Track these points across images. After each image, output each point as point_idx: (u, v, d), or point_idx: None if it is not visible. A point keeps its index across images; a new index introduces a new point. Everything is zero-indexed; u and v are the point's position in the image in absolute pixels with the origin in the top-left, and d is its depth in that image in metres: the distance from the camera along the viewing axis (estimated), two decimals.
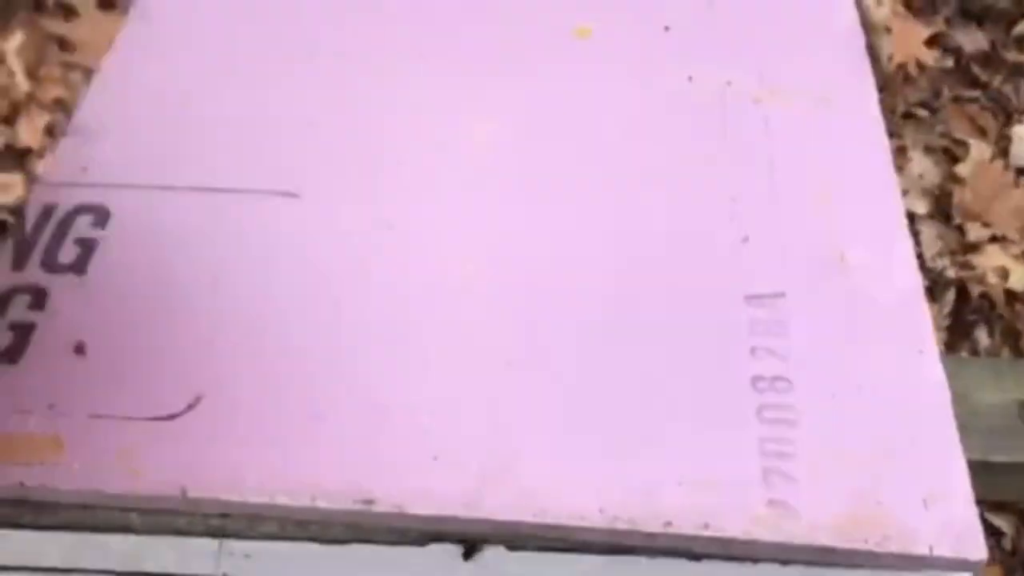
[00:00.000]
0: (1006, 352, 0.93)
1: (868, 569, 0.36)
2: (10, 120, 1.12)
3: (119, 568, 0.39)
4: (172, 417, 0.38)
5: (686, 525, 0.35)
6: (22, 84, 1.15)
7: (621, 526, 0.35)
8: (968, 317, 0.94)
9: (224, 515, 0.37)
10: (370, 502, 0.36)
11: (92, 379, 0.39)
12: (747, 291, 0.41)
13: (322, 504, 0.36)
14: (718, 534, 0.35)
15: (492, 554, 0.37)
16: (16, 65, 1.17)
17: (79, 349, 0.40)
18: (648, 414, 0.38)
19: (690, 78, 0.50)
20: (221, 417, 0.38)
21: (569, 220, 0.44)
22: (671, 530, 0.35)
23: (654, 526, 0.35)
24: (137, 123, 0.49)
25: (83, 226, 0.45)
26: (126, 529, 0.37)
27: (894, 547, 0.34)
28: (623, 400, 0.38)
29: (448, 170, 0.46)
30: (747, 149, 0.47)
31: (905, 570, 0.35)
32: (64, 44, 1.17)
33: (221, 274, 0.43)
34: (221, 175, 0.46)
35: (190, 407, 0.38)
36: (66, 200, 0.46)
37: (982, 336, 0.94)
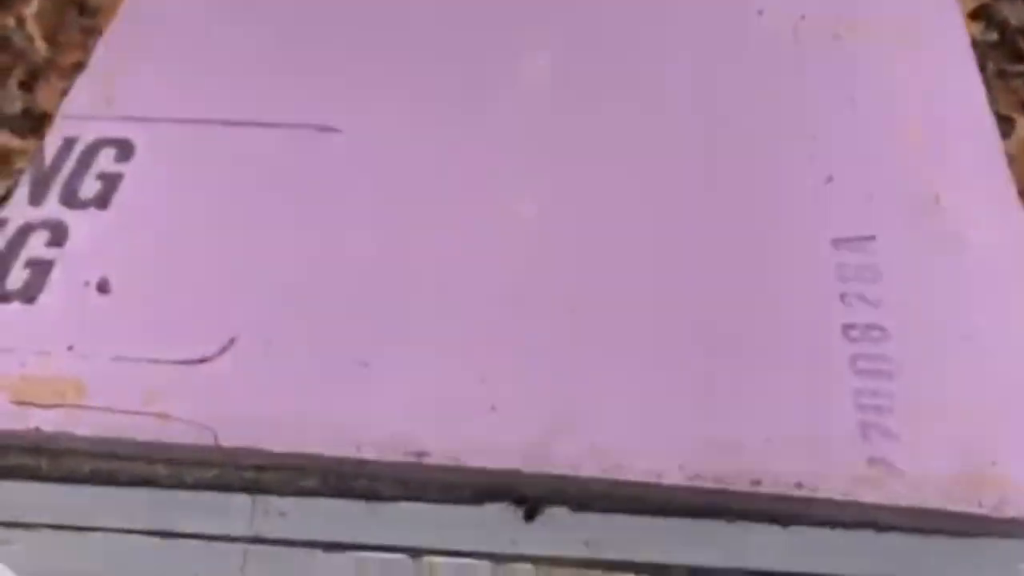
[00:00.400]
0: None
1: (975, 538, 0.32)
2: (28, 85, 1.09)
3: (143, 526, 0.36)
4: (204, 360, 0.35)
5: (777, 485, 0.31)
6: (40, 49, 1.12)
7: (704, 485, 0.31)
8: None
9: (259, 468, 0.33)
10: (422, 454, 0.32)
11: (116, 319, 0.36)
12: (834, 235, 0.38)
13: (369, 455, 0.32)
14: (814, 494, 0.31)
15: (554, 516, 0.33)
16: (34, 30, 1.14)
17: (102, 287, 0.37)
18: (732, 363, 0.34)
19: (760, 12, 0.46)
20: (258, 361, 0.34)
21: (638, 162, 0.40)
22: (761, 490, 0.31)
23: (741, 485, 0.31)
24: (163, 55, 0.46)
25: (106, 160, 0.41)
26: (151, 482, 0.34)
27: (1011, 511, 0.30)
28: (705, 348, 0.34)
29: (504, 105, 0.43)
30: (826, 86, 0.43)
31: (1021, 538, 0.31)
32: (83, 8, 1.14)
33: (257, 211, 0.39)
34: (254, 109, 0.43)
35: (224, 350, 0.35)
36: (88, 133, 0.42)
37: None
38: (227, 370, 0.34)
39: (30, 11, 1.18)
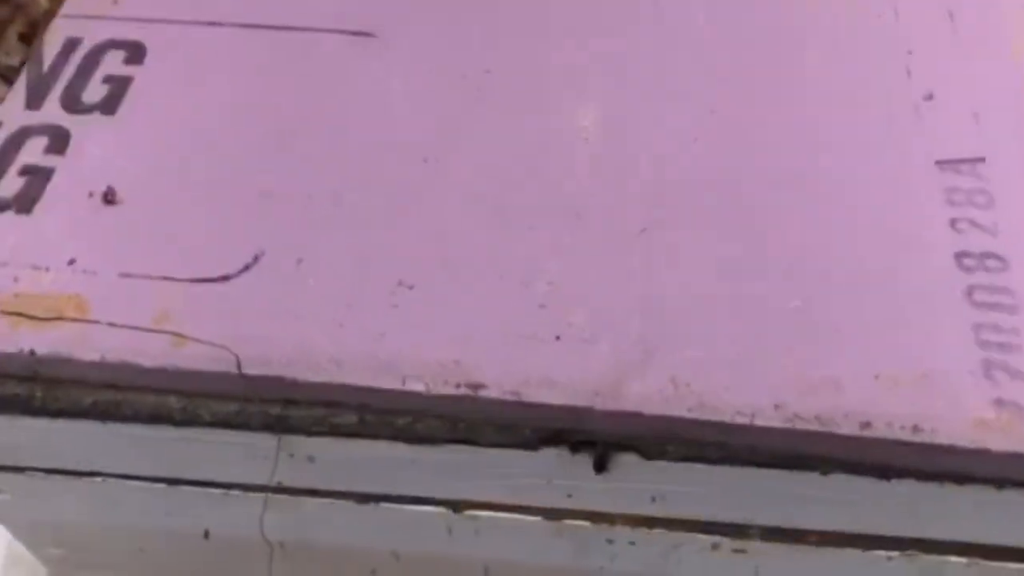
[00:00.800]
0: None
1: None
2: (28, 39, 1.05)
3: (149, 471, 0.32)
4: (225, 279, 0.30)
5: (890, 428, 0.27)
6: (41, 1, 1.08)
7: (804, 427, 0.27)
8: None
9: (287, 402, 0.29)
10: (477, 387, 0.28)
11: (124, 233, 0.32)
12: (938, 156, 0.33)
13: (416, 387, 0.28)
14: (934, 440, 0.27)
15: (620, 465, 0.29)
16: None
17: (108, 198, 0.32)
18: (831, 293, 0.30)
19: None
20: (286, 280, 0.30)
21: (712, 75, 0.36)
22: (870, 433, 0.27)
23: (848, 427, 0.27)
24: None
25: (113, 62, 0.37)
26: (161, 418, 0.30)
27: None
28: (794, 277, 0.30)
29: (554, 7, 0.38)
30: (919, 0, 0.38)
31: None
32: None
33: (284, 120, 0.35)
34: (278, 11, 0.38)
35: (247, 267, 0.30)
36: (93, 34, 0.38)
37: None
38: (251, 290, 0.30)
39: None
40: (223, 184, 0.33)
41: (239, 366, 0.28)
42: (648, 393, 0.28)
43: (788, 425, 0.27)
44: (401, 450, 0.29)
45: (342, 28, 0.38)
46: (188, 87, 0.36)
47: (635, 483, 0.29)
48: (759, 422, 0.27)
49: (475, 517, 0.32)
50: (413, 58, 0.37)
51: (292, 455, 0.30)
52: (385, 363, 0.28)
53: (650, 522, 0.31)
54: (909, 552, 0.30)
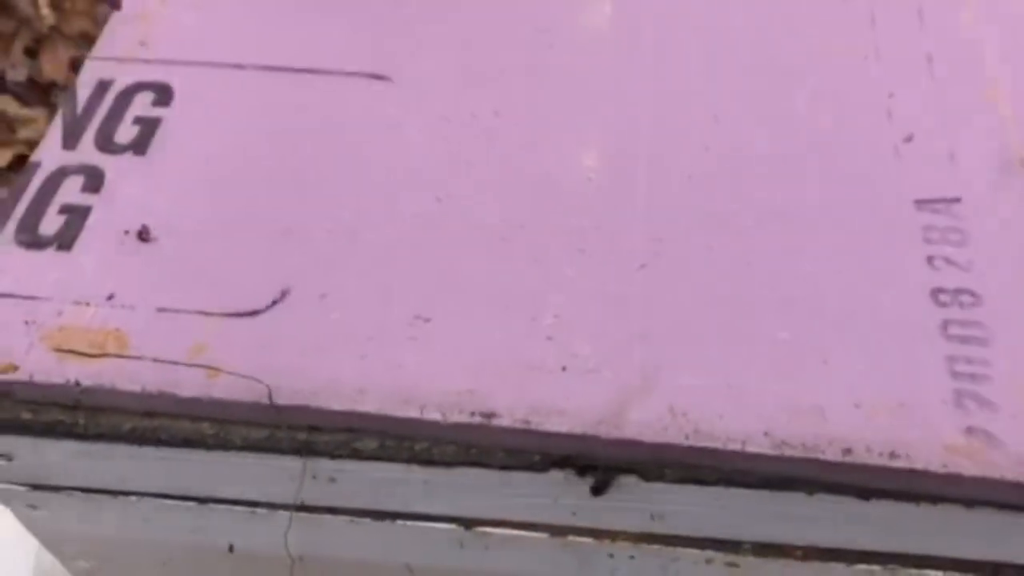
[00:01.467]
0: None
1: None
2: (34, 53, 1.07)
3: (181, 490, 0.34)
4: (255, 313, 0.32)
5: (870, 454, 0.29)
6: (47, 16, 1.10)
7: (792, 453, 0.29)
8: None
9: (313, 429, 0.31)
10: (491, 415, 0.30)
11: (159, 269, 0.34)
12: (917, 195, 0.36)
13: (433, 416, 0.30)
14: (909, 465, 0.29)
15: (620, 486, 0.31)
16: None
17: (143, 235, 0.35)
18: (816, 327, 0.32)
19: None
20: (313, 314, 0.32)
21: (707, 116, 0.38)
22: (851, 459, 0.29)
23: (831, 453, 0.29)
24: None
25: (143, 104, 0.39)
26: (195, 443, 0.32)
27: None
28: (783, 309, 0.32)
29: (558, 52, 0.40)
30: (900, 43, 0.41)
31: None
32: None
33: (305, 159, 0.37)
34: (299, 54, 0.41)
35: (276, 302, 0.33)
36: (123, 76, 0.40)
37: None
38: (279, 324, 0.32)
39: None
40: (249, 221, 0.35)
41: (270, 396, 0.30)
42: (648, 421, 0.30)
43: (776, 451, 0.29)
44: (417, 472, 0.32)
45: (359, 71, 0.40)
46: (214, 127, 0.38)
47: (635, 502, 0.31)
48: (750, 448, 0.29)
49: (485, 533, 0.34)
50: (426, 100, 0.39)
51: (315, 477, 0.33)
52: (404, 393, 0.31)
53: (649, 538, 0.33)
54: (890, 566, 0.33)
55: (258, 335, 0.32)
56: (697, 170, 0.36)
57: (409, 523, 0.34)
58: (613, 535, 0.33)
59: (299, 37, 0.41)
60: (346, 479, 0.33)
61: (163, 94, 0.39)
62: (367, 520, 0.34)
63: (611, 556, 0.34)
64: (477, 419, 0.30)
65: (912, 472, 0.29)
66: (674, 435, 0.30)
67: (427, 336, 0.32)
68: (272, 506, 0.34)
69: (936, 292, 0.33)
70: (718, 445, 0.29)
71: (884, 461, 0.29)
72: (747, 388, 0.31)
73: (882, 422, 0.30)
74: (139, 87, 0.40)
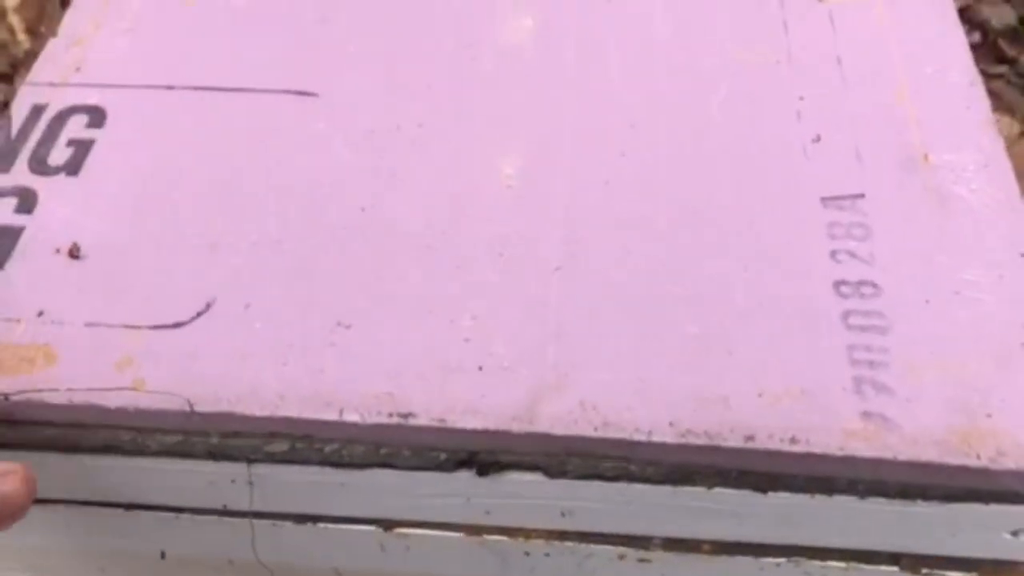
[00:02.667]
0: None
1: (963, 503, 0.31)
2: (9, 78, 1.07)
3: (104, 497, 0.35)
4: (179, 325, 0.33)
5: (771, 439, 0.30)
6: (22, 41, 1.10)
7: (696, 441, 0.31)
8: None
9: (224, 434, 0.32)
10: (407, 415, 0.31)
11: (88, 285, 0.35)
12: (823, 193, 0.37)
13: (352, 418, 0.31)
14: (808, 449, 0.30)
15: (529, 484, 0.32)
16: (16, 22, 1.12)
17: (73, 253, 0.36)
18: (721, 320, 0.33)
19: None
20: (236, 325, 0.33)
21: (623, 123, 0.40)
22: (753, 445, 0.30)
23: (734, 441, 0.30)
24: (133, 22, 0.44)
25: (77, 126, 0.40)
26: (114, 449, 0.33)
27: (1010, 463, 0.30)
28: (692, 305, 0.34)
29: (481, 66, 0.42)
30: (811, 47, 0.42)
31: (1019, 489, 0.31)
32: (65, 1, 1.13)
33: (233, 175, 0.38)
34: (228, 74, 0.42)
35: (200, 314, 0.34)
36: (57, 100, 0.41)
37: None
38: (203, 334, 0.33)
39: (11, 3, 1.15)
40: (176, 237, 0.36)
41: (191, 406, 0.31)
42: (559, 415, 0.31)
43: (681, 440, 0.31)
44: (330, 474, 0.33)
45: (287, 88, 0.41)
46: (144, 147, 0.39)
47: (544, 499, 0.32)
48: (656, 438, 0.31)
49: (405, 535, 0.35)
50: (352, 114, 0.40)
51: (234, 481, 0.34)
52: (324, 396, 0.32)
53: (561, 535, 0.34)
54: (794, 559, 0.34)
55: (183, 346, 0.33)
56: (613, 176, 0.38)
57: (330, 526, 0.35)
58: (527, 533, 0.34)
59: (228, 58, 0.42)
60: (263, 483, 0.33)
61: (96, 116, 0.40)
62: (288, 524, 0.35)
63: (527, 554, 0.35)
64: (394, 419, 0.31)
65: (810, 456, 0.30)
66: (584, 427, 0.31)
67: (347, 342, 0.33)
68: (196, 511, 0.35)
69: (838, 284, 0.34)
70: (625, 436, 0.31)
71: (784, 446, 0.30)
72: (655, 381, 0.32)
73: (784, 409, 0.31)
74: (73, 110, 0.41)
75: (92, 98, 0.41)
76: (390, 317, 0.34)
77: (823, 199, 0.37)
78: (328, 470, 0.33)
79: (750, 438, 0.31)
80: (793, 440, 0.30)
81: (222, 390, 0.32)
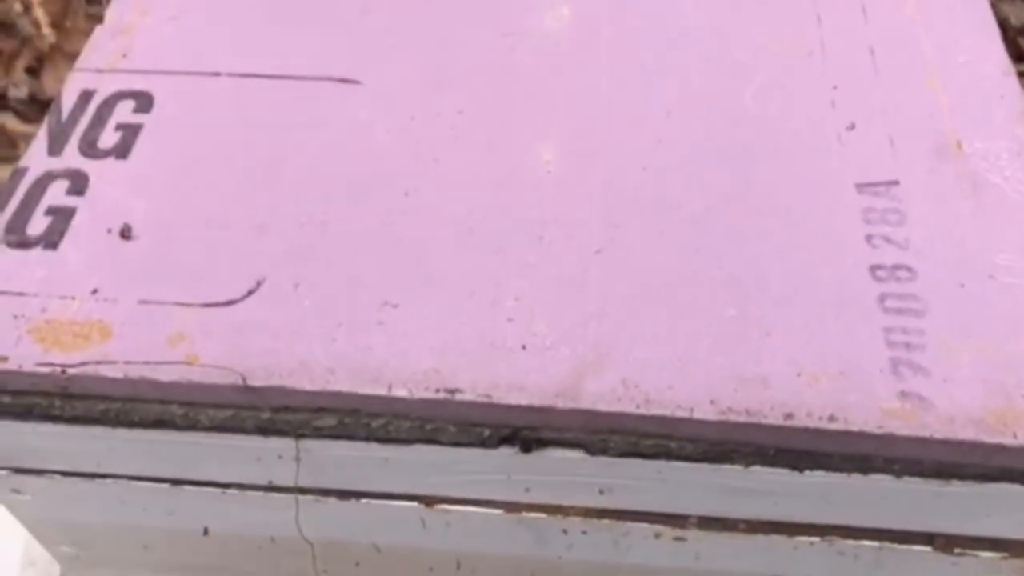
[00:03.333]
0: None
1: (997, 483, 0.32)
2: (35, 71, 1.09)
3: (153, 472, 0.36)
4: (231, 303, 0.34)
5: (810, 418, 0.31)
6: (48, 35, 1.12)
7: (736, 418, 0.31)
8: None
9: (276, 408, 0.33)
10: (454, 391, 0.32)
11: (140, 264, 0.36)
12: (858, 180, 0.38)
13: (401, 393, 0.32)
14: (846, 427, 0.31)
15: (569, 461, 0.33)
16: (41, 16, 1.14)
17: (124, 234, 0.37)
18: (761, 303, 0.34)
19: None
20: (286, 302, 0.34)
21: (660, 111, 0.40)
22: (792, 423, 0.31)
23: (773, 418, 0.31)
24: (178, 10, 0.45)
25: (124, 111, 0.41)
26: (165, 423, 0.34)
27: None
28: (730, 289, 0.34)
29: (520, 54, 0.43)
30: (844, 36, 0.43)
31: None
32: None
33: (278, 159, 0.39)
34: (272, 62, 0.43)
35: (251, 292, 0.35)
36: (105, 86, 0.42)
37: None
38: (254, 312, 0.34)
39: None
40: (225, 218, 0.37)
41: (244, 380, 0.32)
42: (602, 392, 0.32)
43: (722, 417, 0.31)
44: (376, 450, 0.33)
45: (329, 76, 0.42)
46: (191, 132, 0.40)
47: (583, 477, 0.33)
48: (697, 415, 0.31)
49: (446, 511, 0.36)
50: (393, 101, 0.41)
51: (281, 456, 0.34)
52: (373, 372, 0.32)
53: (599, 513, 0.35)
54: (828, 538, 0.34)
55: (234, 323, 0.34)
56: (650, 162, 0.38)
57: (373, 502, 0.36)
58: (564, 511, 0.35)
59: (271, 46, 0.43)
60: (309, 458, 0.34)
61: (144, 101, 0.41)
62: (332, 499, 0.36)
63: (564, 532, 0.36)
64: (442, 395, 0.32)
65: (849, 434, 0.31)
66: (626, 405, 0.32)
67: (394, 321, 0.34)
68: (242, 487, 0.36)
69: (874, 268, 0.35)
70: (667, 413, 0.31)
71: (823, 424, 0.31)
72: (695, 361, 0.32)
73: (822, 389, 0.32)
74: (120, 96, 0.42)
75: (139, 84, 0.42)
76: (435, 297, 0.34)
77: (858, 185, 0.38)
78: (374, 445, 0.33)
79: (789, 416, 0.31)
80: (832, 418, 0.31)
81: (273, 365, 0.33)
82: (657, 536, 0.35)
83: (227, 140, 0.40)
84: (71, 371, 0.33)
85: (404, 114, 0.41)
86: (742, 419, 0.31)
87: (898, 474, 0.32)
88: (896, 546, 0.34)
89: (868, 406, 0.31)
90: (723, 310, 0.34)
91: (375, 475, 0.35)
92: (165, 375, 0.33)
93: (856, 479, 0.32)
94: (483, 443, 0.33)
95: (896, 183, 0.38)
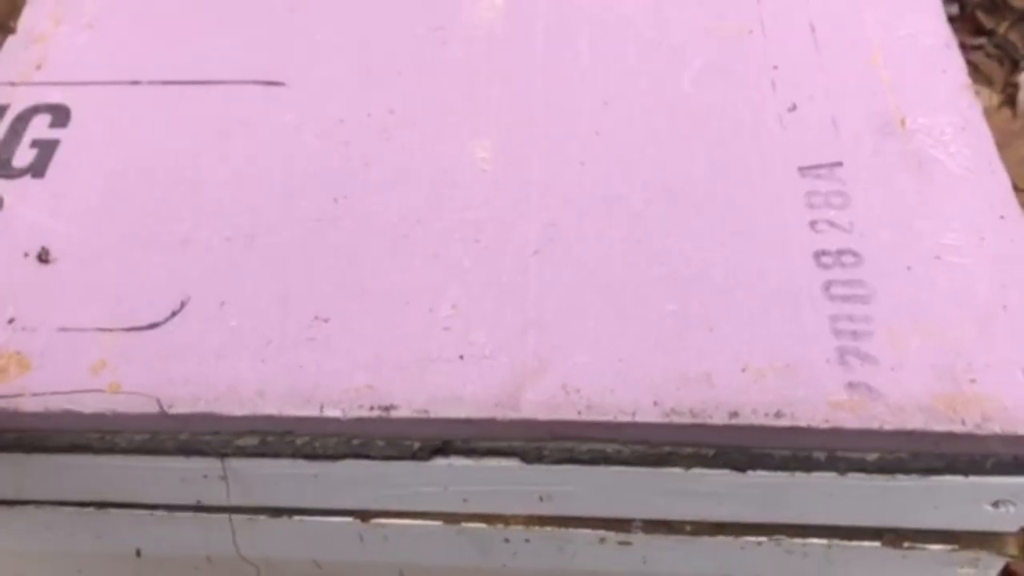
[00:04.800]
0: None
1: (943, 475, 0.31)
2: None
3: (75, 496, 0.34)
4: (154, 326, 0.33)
5: (756, 415, 0.30)
6: None
7: (680, 420, 0.30)
8: None
9: (195, 432, 0.32)
10: (389, 408, 0.31)
11: (60, 289, 0.34)
12: (800, 163, 0.37)
13: (333, 413, 0.31)
14: (794, 423, 0.30)
15: (507, 470, 0.32)
16: None
17: (42, 257, 0.35)
18: (700, 296, 0.33)
19: None
20: (212, 322, 0.33)
21: (597, 101, 0.39)
22: (738, 421, 0.30)
23: (719, 418, 0.30)
24: (94, 17, 0.43)
25: (40, 126, 0.39)
26: (83, 448, 0.32)
27: (996, 427, 0.30)
28: (671, 283, 0.33)
29: (452, 48, 0.41)
30: (784, 13, 0.42)
31: (1005, 454, 0.30)
32: None
33: (203, 171, 0.37)
34: (193, 67, 0.41)
35: (174, 313, 0.33)
36: (19, 100, 0.40)
37: None
38: (179, 334, 0.33)
39: None
40: (147, 236, 0.35)
41: (161, 407, 0.31)
42: (543, 400, 0.31)
43: (665, 419, 0.30)
44: (304, 467, 0.32)
45: (254, 79, 0.40)
46: (111, 145, 0.38)
47: (521, 485, 0.32)
48: (640, 418, 0.30)
49: (382, 525, 0.35)
50: (321, 103, 0.39)
51: (206, 476, 0.33)
52: (304, 393, 0.31)
53: (541, 521, 0.34)
54: (776, 537, 0.34)
55: (158, 347, 0.32)
56: (588, 155, 0.37)
57: (307, 519, 0.35)
58: (505, 519, 0.34)
59: (192, 50, 0.41)
60: (237, 477, 0.33)
61: (60, 115, 0.40)
62: (264, 517, 0.35)
63: (507, 540, 0.35)
64: (376, 413, 0.31)
65: (796, 430, 0.30)
66: (567, 411, 0.31)
67: (326, 336, 0.32)
68: (170, 508, 0.35)
69: (819, 255, 0.34)
70: (609, 418, 0.30)
71: (770, 421, 0.30)
72: (637, 362, 0.31)
73: (768, 384, 0.31)
74: (36, 110, 0.40)
75: (55, 96, 0.40)
76: (368, 309, 0.33)
77: (800, 169, 0.37)
78: (301, 462, 0.32)
79: (735, 414, 0.30)
80: (778, 415, 0.30)
81: (200, 390, 0.31)
82: (602, 541, 0.35)
83: (148, 152, 0.38)
84: None
85: (332, 116, 0.39)
86: (686, 420, 0.30)
87: (842, 471, 0.31)
88: (845, 543, 0.34)
89: (815, 400, 0.30)
90: (665, 306, 0.33)
91: (307, 492, 0.34)
92: (87, 406, 0.31)
93: (800, 478, 0.31)
94: (414, 456, 0.32)
95: (839, 164, 0.37)
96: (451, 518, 0.34)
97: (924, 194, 0.35)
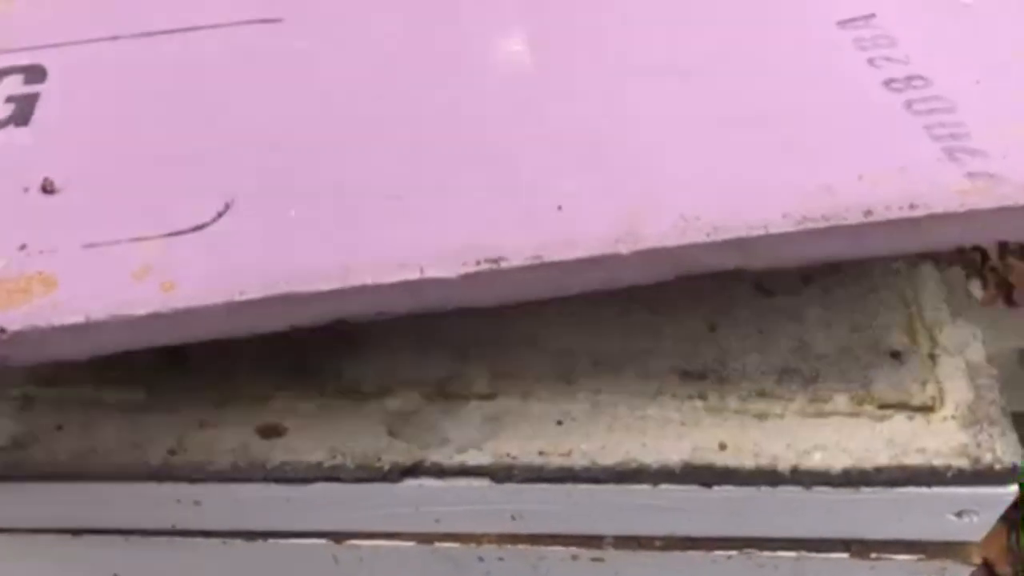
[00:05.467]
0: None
1: (903, 487, 0.31)
2: None
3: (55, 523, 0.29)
4: (200, 227, 0.28)
5: (889, 210, 0.28)
6: None
7: (814, 225, 0.28)
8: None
9: (170, 451, 0.29)
10: (497, 260, 0.27)
11: (74, 213, 0.29)
12: (836, 17, 0.36)
13: (436, 273, 0.27)
14: (929, 211, 0.28)
15: (477, 490, 0.30)
16: None
17: (46, 188, 0.30)
18: (795, 125, 0.31)
19: None
20: (269, 216, 0.29)
21: None
22: (873, 219, 0.28)
23: (853, 218, 0.28)
24: None
25: (13, 85, 0.35)
26: (56, 477, 0.29)
27: None
28: (764, 120, 0.32)
29: None
30: None
31: None
32: None
33: (215, 95, 0.34)
34: (182, 13, 0.38)
35: (220, 214, 0.29)
36: None
37: (975, 289, 0.91)
38: (233, 230, 0.28)
39: None
40: (162, 154, 0.32)
41: (241, 292, 0.26)
42: (664, 230, 0.28)
43: (799, 227, 0.28)
44: (275, 490, 0.30)
45: (249, 19, 0.37)
46: (100, 91, 0.34)
47: (492, 504, 0.31)
48: (773, 230, 0.28)
49: (356, 547, 0.32)
50: (323, 33, 0.37)
51: (179, 501, 0.30)
52: (397, 258, 0.27)
53: (513, 539, 0.32)
54: (745, 550, 0.32)
55: (210, 244, 0.28)
56: (648, 27, 0.36)
57: (281, 541, 0.32)
58: (478, 539, 0.32)
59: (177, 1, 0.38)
60: (210, 502, 0.30)
61: (35, 74, 0.35)
62: (239, 541, 0.32)
63: (481, 559, 0.33)
64: (484, 267, 0.27)
65: (933, 218, 0.28)
66: (696, 235, 0.28)
67: (404, 208, 0.29)
68: (145, 533, 0.31)
69: (888, 82, 0.33)
70: (741, 234, 0.28)
71: (905, 213, 0.28)
72: (752, 184, 0.29)
73: (890, 185, 0.29)
74: (6, 72, 0.35)
75: (25, 60, 0.36)
76: (442, 179, 0.30)
77: (839, 23, 0.36)
78: (273, 486, 0.29)
79: (868, 212, 0.28)
80: (912, 206, 0.28)
81: (274, 272, 0.27)
82: (574, 558, 0.33)
83: (144, 90, 0.34)
84: (13, 328, 0.26)
85: (336, 41, 0.36)
86: (820, 225, 0.28)
87: (807, 485, 0.30)
88: (813, 555, 0.33)
89: (942, 191, 0.29)
90: (766, 138, 0.31)
91: (280, 515, 0.31)
92: (140, 308, 0.26)
93: (765, 492, 0.30)
94: (384, 478, 0.30)
95: (873, 16, 0.36)
96: (424, 538, 0.32)
97: (963, 25, 0.35)
